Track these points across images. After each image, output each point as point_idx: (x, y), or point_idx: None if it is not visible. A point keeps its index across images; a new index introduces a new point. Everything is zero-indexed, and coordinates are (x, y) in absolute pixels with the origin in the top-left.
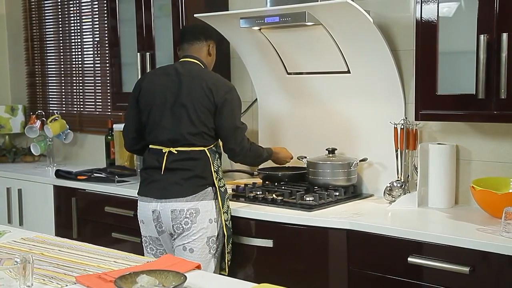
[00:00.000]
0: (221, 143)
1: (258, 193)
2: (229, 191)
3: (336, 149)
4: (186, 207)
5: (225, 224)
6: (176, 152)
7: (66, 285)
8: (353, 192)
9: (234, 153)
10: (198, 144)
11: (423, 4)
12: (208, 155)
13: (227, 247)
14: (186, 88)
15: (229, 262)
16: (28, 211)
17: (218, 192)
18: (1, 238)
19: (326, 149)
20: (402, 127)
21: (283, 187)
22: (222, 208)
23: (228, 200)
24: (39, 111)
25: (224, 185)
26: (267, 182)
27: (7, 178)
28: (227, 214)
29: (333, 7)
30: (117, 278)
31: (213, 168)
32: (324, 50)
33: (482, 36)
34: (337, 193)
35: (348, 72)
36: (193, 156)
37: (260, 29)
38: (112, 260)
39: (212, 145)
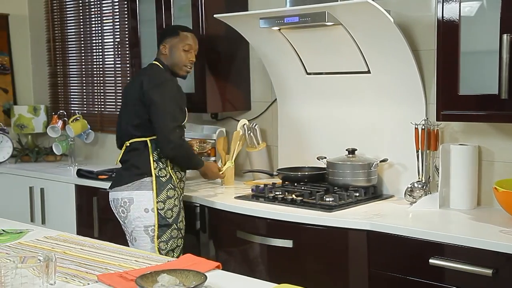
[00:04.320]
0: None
1: (278, 193)
2: (248, 191)
3: (356, 150)
4: (120, 196)
5: (158, 213)
6: (128, 145)
7: (88, 283)
8: (373, 193)
9: (162, 145)
10: (139, 134)
11: (444, 4)
12: (149, 144)
13: (162, 236)
14: (131, 86)
15: (174, 252)
16: (50, 210)
17: (154, 182)
18: (24, 236)
19: (346, 150)
20: (423, 127)
21: (302, 188)
22: (157, 197)
23: (172, 190)
24: (61, 111)
25: (166, 175)
26: (286, 182)
27: (30, 177)
28: (163, 204)
29: (353, 7)
30: (138, 277)
31: (152, 157)
32: (344, 50)
33: (505, 36)
34: (357, 194)
35: (368, 72)
36: (134, 147)
37: (279, 29)
38: (133, 259)
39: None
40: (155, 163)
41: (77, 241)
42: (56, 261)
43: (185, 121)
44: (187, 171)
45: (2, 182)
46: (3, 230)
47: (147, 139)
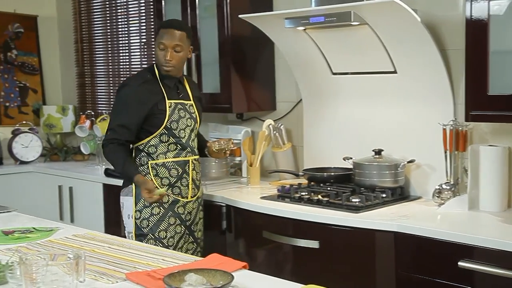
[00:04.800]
0: (144, 140)
1: (304, 193)
2: (274, 191)
3: (382, 150)
4: (120, 201)
5: (135, 221)
6: None
7: (117, 281)
8: (400, 194)
9: None
10: (134, 141)
11: (473, 2)
12: (134, 152)
13: None
14: None
15: None
16: (78, 208)
17: (134, 189)
18: (54, 234)
19: (373, 150)
20: (451, 128)
21: (328, 188)
22: (135, 206)
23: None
24: (89, 111)
25: None
26: (312, 182)
27: (59, 176)
28: (140, 213)
29: (380, 6)
30: (166, 276)
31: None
32: (370, 50)
33: None
34: (384, 195)
35: (395, 72)
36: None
37: (305, 29)
38: (160, 258)
39: (140, 143)
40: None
41: (105, 239)
42: (85, 259)
43: (161, 128)
44: (212, 171)
45: (32, 180)
46: (34, 228)
47: (135, 145)
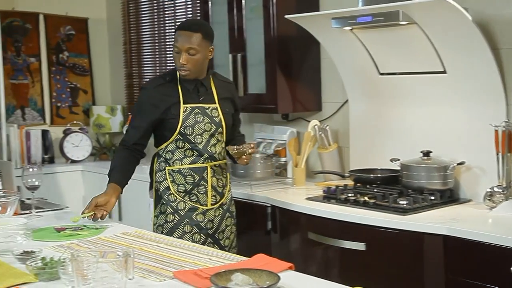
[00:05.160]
0: (162, 146)
1: (350, 195)
2: (320, 192)
3: (431, 152)
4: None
5: (153, 228)
6: None
7: (164, 280)
8: (449, 196)
9: None
10: (156, 145)
11: None
12: (155, 157)
13: None
14: None
15: None
16: (126, 206)
17: (154, 194)
18: (104, 232)
19: (421, 152)
20: (503, 129)
21: (375, 190)
22: (154, 211)
23: (164, 205)
24: None
25: (159, 188)
26: (358, 184)
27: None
28: (156, 219)
29: (429, 5)
30: (213, 275)
31: (155, 168)
32: (418, 50)
33: None
34: (432, 197)
35: (444, 72)
36: None
37: (351, 29)
38: (207, 257)
39: (159, 148)
40: (155, 175)
41: (153, 237)
42: (134, 257)
43: (176, 133)
44: (258, 171)
45: (83, 179)
46: (84, 226)
47: (157, 149)
